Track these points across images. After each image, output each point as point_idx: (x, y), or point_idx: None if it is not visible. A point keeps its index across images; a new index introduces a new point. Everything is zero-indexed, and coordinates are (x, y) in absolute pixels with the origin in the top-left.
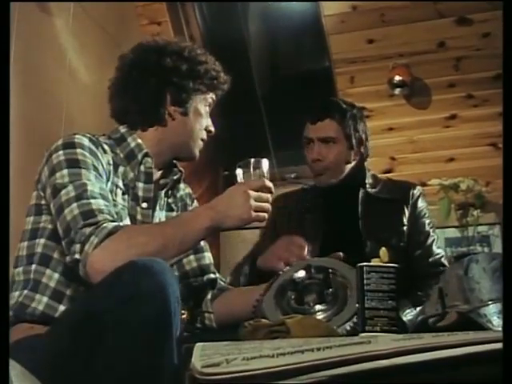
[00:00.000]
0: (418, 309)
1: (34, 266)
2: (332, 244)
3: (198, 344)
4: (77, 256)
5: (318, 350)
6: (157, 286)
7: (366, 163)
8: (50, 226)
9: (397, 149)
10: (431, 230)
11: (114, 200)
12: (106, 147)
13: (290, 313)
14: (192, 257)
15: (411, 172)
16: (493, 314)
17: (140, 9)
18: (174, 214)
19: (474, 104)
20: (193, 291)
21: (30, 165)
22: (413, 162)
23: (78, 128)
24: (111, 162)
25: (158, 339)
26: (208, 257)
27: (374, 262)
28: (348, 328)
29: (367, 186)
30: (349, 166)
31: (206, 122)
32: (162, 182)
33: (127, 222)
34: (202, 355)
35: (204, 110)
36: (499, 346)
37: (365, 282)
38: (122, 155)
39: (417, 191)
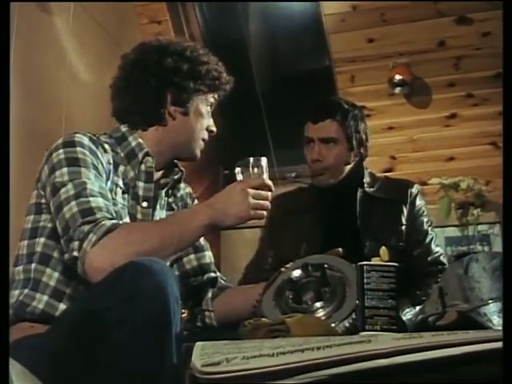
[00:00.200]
0: (418, 308)
1: (33, 265)
2: (331, 244)
3: (198, 343)
4: (75, 253)
5: (318, 349)
6: (156, 286)
7: (364, 162)
8: (49, 225)
9: (397, 148)
10: (429, 229)
11: (113, 199)
12: (106, 146)
13: (288, 312)
14: (192, 256)
15: (411, 171)
16: (493, 313)
17: (140, 8)
18: None
19: (474, 103)
20: (193, 290)
21: (30, 164)
22: (413, 161)
23: (79, 127)
24: (111, 161)
25: (157, 339)
26: (208, 256)
27: (375, 260)
28: (347, 325)
29: (365, 185)
30: (348, 167)
31: (208, 121)
32: (162, 181)
33: (127, 220)
34: (202, 354)
35: (205, 110)
36: (499, 345)
37: (365, 280)
38: (122, 154)
39: (415, 189)
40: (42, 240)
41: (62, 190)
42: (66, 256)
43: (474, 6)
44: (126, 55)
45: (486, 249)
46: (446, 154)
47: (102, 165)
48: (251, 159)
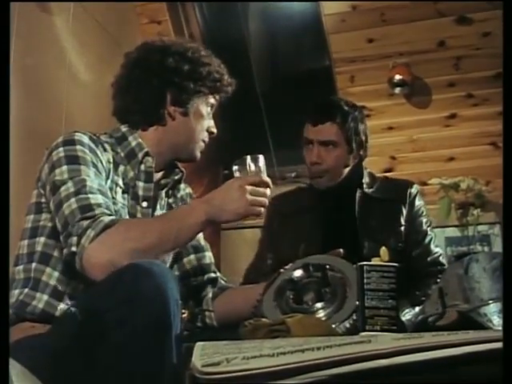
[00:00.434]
0: (417, 308)
1: (34, 265)
2: (330, 244)
3: (198, 343)
4: (73, 249)
5: (319, 349)
6: (156, 289)
7: (363, 163)
8: (49, 224)
9: (397, 148)
10: (429, 229)
11: (113, 198)
12: (106, 146)
13: (289, 313)
14: (193, 256)
15: (411, 171)
16: (493, 313)
17: (140, 8)
18: None
19: (474, 103)
20: (193, 290)
21: (30, 164)
22: (413, 161)
23: (78, 127)
24: (111, 161)
25: (157, 341)
26: (209, 256)
27: (375, 261)
28: (348, 325)
29: (364, 185)
30: (347, 169)
31: (208, 123)
32: (162, 182)
33: None
34: (202, 354)
35: (206, 111)
36: (499, 345)
37: (365, 281)
38: (122, 154)
39: (414, 190)
40: (43, 239)
41: (62, 188)
42: (65, 251)
43: (473, 6)
44: (129, 54)
45: (486, 249)
46: (445, 154)
47: (102, 163)
48: (248, 157)
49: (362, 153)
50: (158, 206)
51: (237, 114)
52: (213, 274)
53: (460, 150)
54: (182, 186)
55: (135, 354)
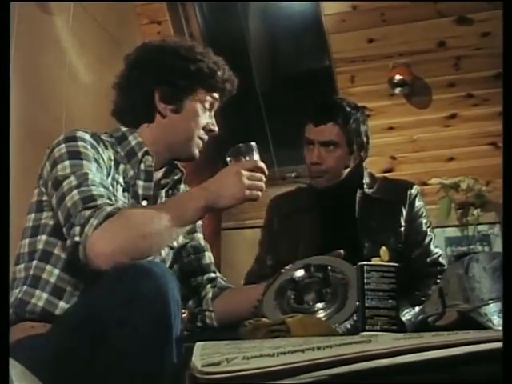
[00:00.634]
0: (417, 308)
1: (34, 262)
2: (330, 245)
3: (198, 343)
4: (76, 239)
5: (319, 349)
6: (157, 289)
7: (364, 163)
8: (51, 223)
9: (397, 148)
10: (428, 230)
11: (114, 195)
12: (107, 144)
13: (289, 313)
14: (192, 256)
15: (411, 171)
16: (493, 313)
17: (140, 8)
18: None
19: (474, 103)
20: (193, 290)
21: (30, 164)
22: (413, 161)
23: (78, 127)
24: (112, 158)
25: (157, 342)
26: (208, 256)
27: (375, 261)
28: (348, 326)
29: (364, 186)
30: (347, 170)
31: (206, 121)
32: (162, 181)
33: None
34: (203, 354)
35: (201, 108)
36: (499, 345)
37: (365, 280)
38: (122, 153)
39: (414, 190)
40: (44, 237)
41: (65, 182)
42: (68, 242)
43: (473, 6)
44: (128, 55)
45: (486, 249)
46: (446, 154)
47: (103, 160)
48: (241, 145)
49: (362, 154)
50: None
51: (237, 114)
52: (213, 274)
53: (460, 150)
54: (182, 186)
55: (135, 354)
